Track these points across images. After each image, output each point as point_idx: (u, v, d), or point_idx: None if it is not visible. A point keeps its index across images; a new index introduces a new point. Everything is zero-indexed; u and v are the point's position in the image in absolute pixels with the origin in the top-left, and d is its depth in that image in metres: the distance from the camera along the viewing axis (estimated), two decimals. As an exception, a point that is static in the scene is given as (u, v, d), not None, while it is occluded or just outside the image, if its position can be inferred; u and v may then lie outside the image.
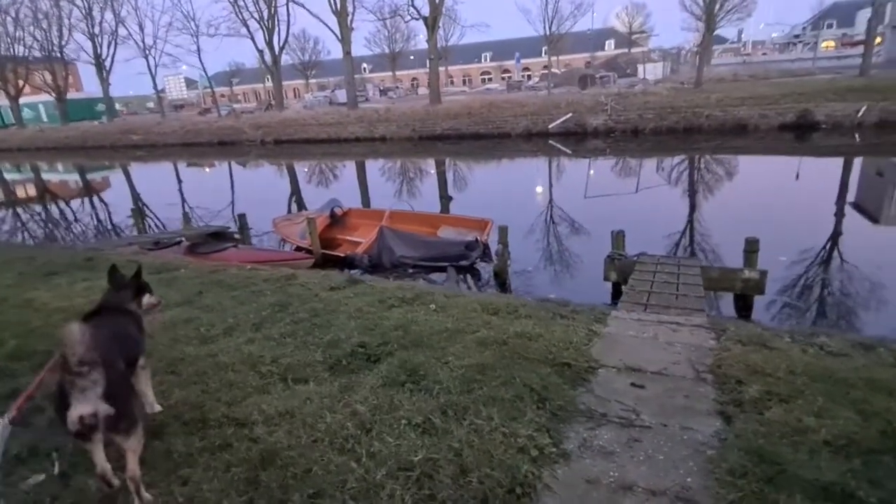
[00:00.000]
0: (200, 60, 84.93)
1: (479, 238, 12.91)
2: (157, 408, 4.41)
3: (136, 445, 3.42)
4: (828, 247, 12.22)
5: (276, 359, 5.27)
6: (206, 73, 65.43)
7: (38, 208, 25.84)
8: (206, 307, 6.91)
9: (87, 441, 3.25)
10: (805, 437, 3.88)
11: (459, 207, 18.55)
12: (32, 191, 32.47)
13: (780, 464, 3.62)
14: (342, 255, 13.10)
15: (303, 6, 60.69)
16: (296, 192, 26.06)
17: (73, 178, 38.05)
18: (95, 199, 27.97)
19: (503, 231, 11.60)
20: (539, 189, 22.12)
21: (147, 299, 4.23)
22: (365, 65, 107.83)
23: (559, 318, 6.23)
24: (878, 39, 45.93)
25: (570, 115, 34.62)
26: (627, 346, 5.48)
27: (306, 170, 33.17)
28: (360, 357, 5.24)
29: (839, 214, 14.94)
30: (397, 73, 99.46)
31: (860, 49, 41.40)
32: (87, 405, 3.12)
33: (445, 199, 21.18)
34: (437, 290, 7.75)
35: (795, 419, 4.06)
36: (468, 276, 12.10)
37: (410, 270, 12.34)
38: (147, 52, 59.53)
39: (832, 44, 76.00)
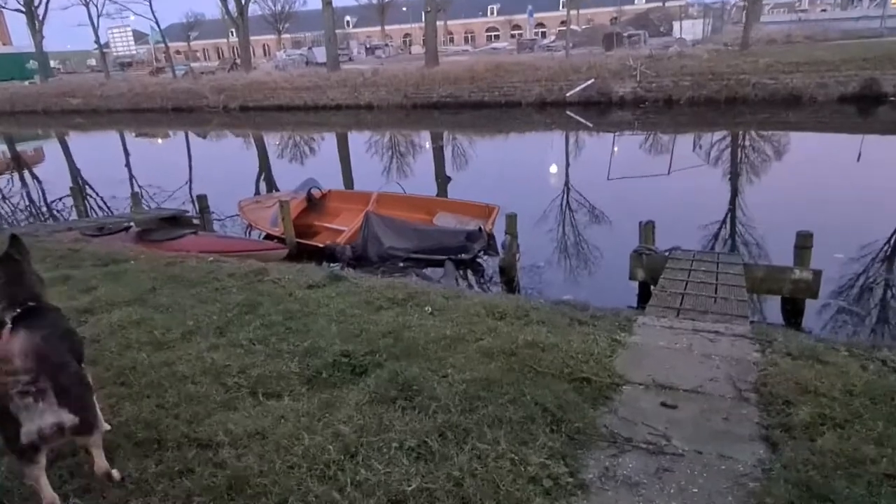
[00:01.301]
0: (152, 9, 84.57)
1: (482, 227, 12.97)
2: (105, 426, 4.45)
3: (100, 438, 3.55)
4: (893, 242, 12.30)
5: (245, 369, 5.31)
6: (159, 26, 65.17)
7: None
8: (161, 307, 6.94)
9: (33, 462, 3.30)
10: (863, 469, 3.93)
11: (460, 190, 18.62)
12: (-53, 165, 32.38)
13: (833, 500, 3.68)
14: (321, 245, 13.15)
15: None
16: (266, 169, 26.08)
17: None
18: (26, 174, 27.92)
19: (511, 219, 11.66)
20: (554, 169, 22.18)
21: None
22: (348, 17, 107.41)
23: (577, 324, 6.28)
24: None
25: (591, 81, 34.64)
26: (657, 358, 5.53)
27: (278, 142, 33.20)
28: (344, 368, 5.28)
29: (908, 204, 15.05)
30: (386, 27, 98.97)
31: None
32: (47, 417, 3.19)
33: (443, 180, 21.25)
34: (433, 288, 7.78)
35: (852, 448, 4.11)
36: (469, 273, 12.18)
37: (401, 265, 12.40)
38: (88, -2, 59.25)
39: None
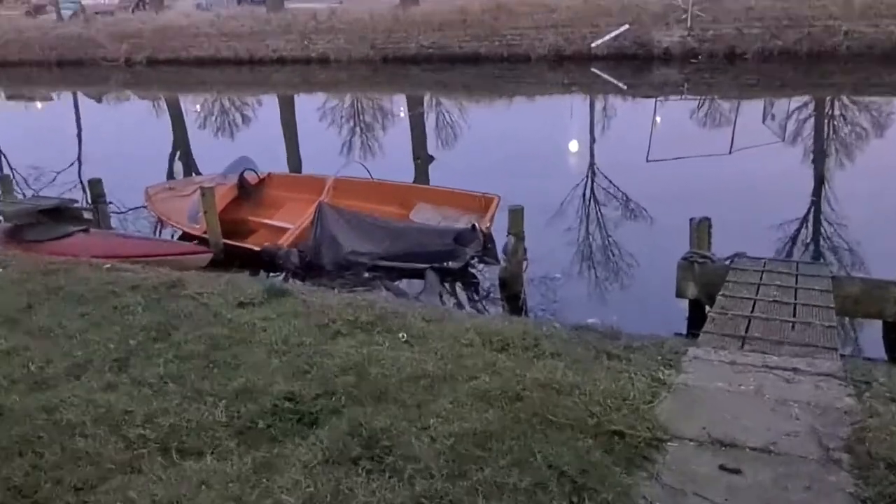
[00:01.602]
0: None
1: (476, 225, 12.97)
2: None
3: None
4: None
5: (153, 417, 5.28)
6: (39, -53, 64.65)
7: None
8: (40, 331, 6.90)
9: None
10: None
11: (446, 175, 18.57)
12: None
13: None
14: (256, 248, 13.10)
15: None
16: (183, 144, 26.00)
17: None
18: None
19: (516, 214, 11.65)
20: (574, 146, 22.21)
21: None
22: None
23: (605, 357, 6.30)
24: None
25: (625, 27, 34.76)
26: (714, 404, 5.54)
27: (199, 108, 33.12)
28: (288, 416, 5.27)
29: None
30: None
31: None
32: None
33: (424, 160, 21.27)
34: (409, 308, 7.80)
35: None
36: (459, 286, 12.15)
37: (367, 275, 12.38)
38: None
39: None
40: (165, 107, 34.22)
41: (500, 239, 12.42)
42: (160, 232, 15.01)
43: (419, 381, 5.75)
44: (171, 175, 20.61)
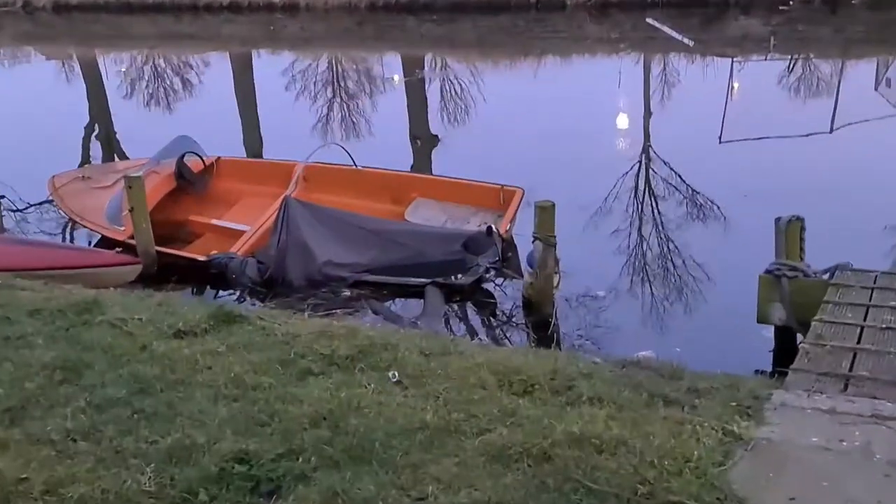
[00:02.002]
0: None
1: (493, 227, 12.96)
2: None
3: None
4: None
5: (56, 486, 5.25)
6: None
7: None
8: None
9: None
10: None
11: (453, 160, 18.62)
12: None
13: None
14: (201, 257, 13.09)
15: None
16: (102, 118, 25.99)
17: None
18: None
19: (545, 213, 11.61)
20: (623, 122, 22.23)
21: None
22: None
23: (662, 404, 6.28)
24: None
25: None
26: (807, 468, 5.51)
27: (124, 70, 33.14)
28: (239, 484, 5.26)
29: None
30: None
31: None
32: None
33: (424, 140, 21.27)
34: (403, 337, 7.77)
35: None
36: (469, 307, 12.20)
37: (348, 293, 12.39)
38: None
39: None
40: (78, 68, 34.30)
41: (524, 245, 12.43)
42: (71, 236, 15.02)
43: (415, 435, 5.72)
44: (85, 160, 20.64)
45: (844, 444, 5.83)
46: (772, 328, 10.22)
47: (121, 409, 6.17)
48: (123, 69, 33.41)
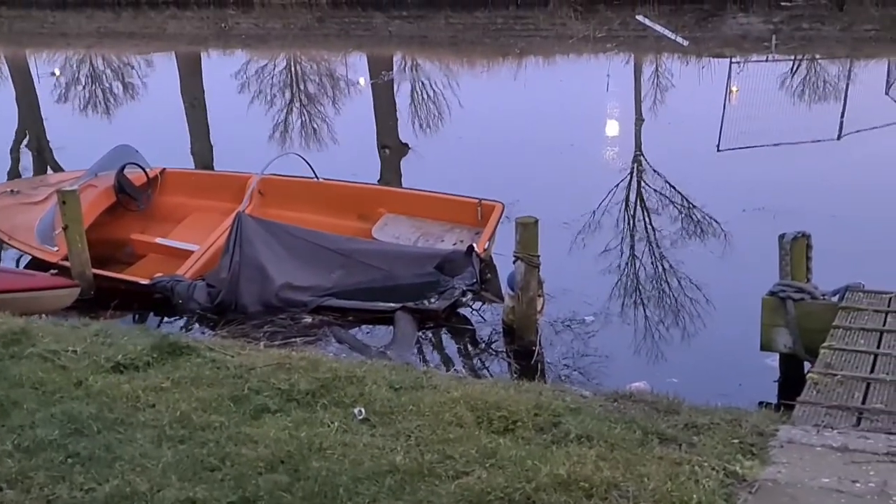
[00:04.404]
0: None
1: (472, 246, 12.94)
2: None
3: None
4: None
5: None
6: None
7: None
8: None
9: None
10: None
11: (426, 172, 18.62)
12: None
13: None
14: (143, 280, 13.02)
15: None
16: (32, 125, 25.87)
17: None
18: None
19: (528, 230, 11.58)
20: (613, 129, 22.29)
21: None
22: None
23: (657, 442, 6.26)
24: None
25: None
26: (819, 512, 5.49)
27: (58, 73, 33.02)
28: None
29: None
30: None
31: None
32: None
33: (393, 149, 21.25)
34: (370, 369, 7.71)
35: None
36: (444, 335, 12.15)
37: (308, 319, 12.31)
38: None
39: None
40: (6, 70, 34.16)
41: (505, 266, 12.41)
42: (-2, 257, 14.93)
43: (383, 479, 5.67)
44: (14, 172, 20.56)
45: (858, 485, 5.80)
46: (777, 356, 10.23)
47: (53, 453, 6.08)
48: (57, 71, 33.34)
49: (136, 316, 12.43)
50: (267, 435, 6.28)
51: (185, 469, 5.84)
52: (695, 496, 5.52)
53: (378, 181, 17.83)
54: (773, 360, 10.26)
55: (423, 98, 26.56)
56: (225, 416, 6.60)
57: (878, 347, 8.71)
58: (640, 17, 33.04)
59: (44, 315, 11.10)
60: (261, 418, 6.60)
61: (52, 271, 13.20)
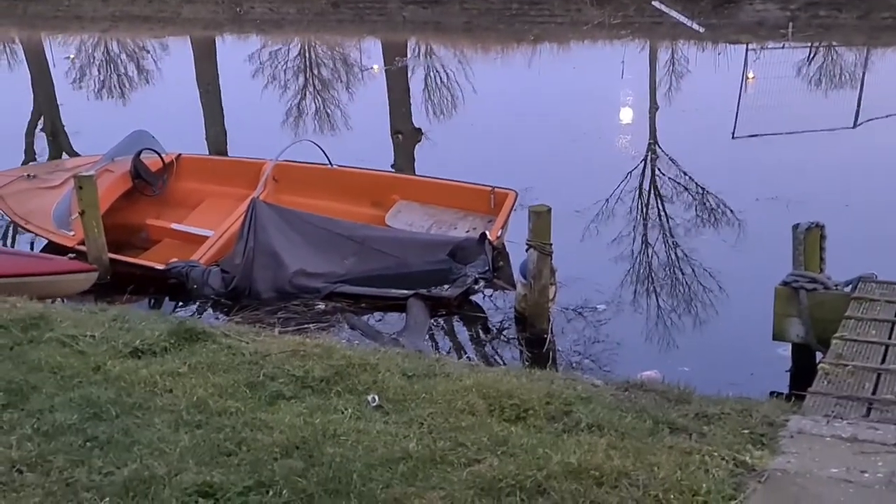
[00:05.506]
0: None
1: (484, 233, 13.01)
2: None
3: None
4: None
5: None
6: None
7: None
8: None
9: None
10: None
11: (439, 159, 18.59)
12: None
13: None
14: (159, 265, 13.04)
15: None
16: (48, 110, 25.81)
17: None
18: None
19: (541, 218, 11.58)
20: (627, 116, 22.24)
21: None
22: None
23: (668, 431, 6.31)
24: None
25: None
26: (827, 503, 5.52)
27: (73, 56, 32.95)
28: (203, 522, 5.26)
29: None
30: None
31: None
32: None
33: (407, 136, 21.27)
34: (383, 357, 7.78)
35: None
36: (457, 322, 12.21)
37: (322, 306, 12.34)
38: None
39: None
40: (22, 54, 34.14)
41: (517, 254, 12.45)
42: (13, 241, 14.95)
43: (396, 465, 5.72)
44: (30, 157, 20.60)
45: (867, 475, 5.83)
46: (789, 346, 10.26)
47: (72, 437, 6.14)
48: (72, 55, 33.28)
49: (152, 301, 12.49)
50: (282, 421, 6.35)
51: (201, 453, 5.92)
52: (704, 485, 5.57)
53: (391, 168, 17.89)
54: (785, 350, 10.29)
55: (436, 84, 26.54)
56: (241, 402, 6.67)
57: (890, 338, 8.71)
58: (655, 3, 32.85)
59: (61, 299, 11.20)
60: (276, 404, 6.67)
61: (70, 255, 13.26)
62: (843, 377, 7.93)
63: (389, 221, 14.21)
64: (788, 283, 10.17)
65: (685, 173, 17.29)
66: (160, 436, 6.16)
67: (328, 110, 24.21)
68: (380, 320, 12.15)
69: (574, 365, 10.73)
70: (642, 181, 17.15)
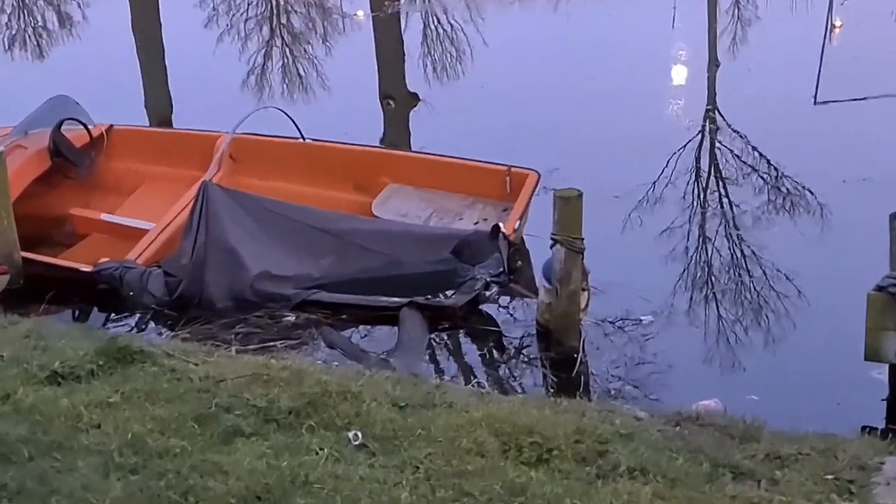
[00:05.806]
0: None
1: (498, 225, 12.95)
2: None
3: None
4: None
5: None
6: None
7: None
8: None
9: None
10: None
11: (441, 130, 18.64)
12: None
13: None
14: (86, 266, 13.05)
15: None
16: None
17: None
18: None
19: (570, 206, 11.58)
20: (678, 76, 22.27)
21: None
22: None
23: (730, 476, 6.31)
24: None
25: None
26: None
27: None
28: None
29: None
30: None
31: None
32: None
33: (399, 102, 21.27)
34: (368, 382, 7.82)
35: None
36: (461, 339, 12.26)
37: (292, 318, 12.35)
38: None
39: None
40: None
41: (541, 251, 12.45)
42: None
43: (383, 522, 5.72)
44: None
45: None
46: (885, 368, 10.23)
47: (-28, 486, 6.16)
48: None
49: (77, 312, 12.53)
50: (240, 464, 6.31)
51: (136, 507, 5.92)
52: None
53: (380, 142, 17.90)
54: (881, 373, 10.27)
55: (437, 35, 26.49)
56: (187, 441, 6.63)
57: None
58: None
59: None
60: (232, 443, 6.64)
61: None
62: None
63: (378, 210, 14.20)
64: (884, 288, 10.10)
65: (754, 148, 17.27)
66: (85, 483, 6.11)
67: (300, 69, 24.21)
68: (365, 336, 12.16)
69: (611, 393, 10.76)
70: (699, 159, 17.14)
